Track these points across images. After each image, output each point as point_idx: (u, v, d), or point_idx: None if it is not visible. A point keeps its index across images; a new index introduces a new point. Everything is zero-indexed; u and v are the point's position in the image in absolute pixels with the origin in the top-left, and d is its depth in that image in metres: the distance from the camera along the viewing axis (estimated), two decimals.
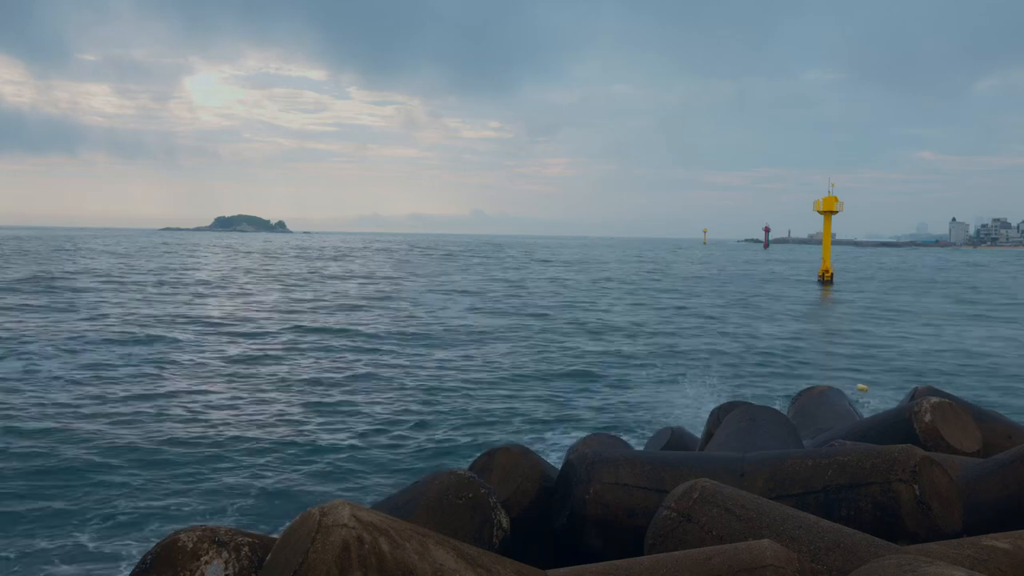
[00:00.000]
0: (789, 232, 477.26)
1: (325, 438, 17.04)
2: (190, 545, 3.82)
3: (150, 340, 30.34)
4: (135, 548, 11.06)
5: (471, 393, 21.83)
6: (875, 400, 19.95)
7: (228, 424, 17.99)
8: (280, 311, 42.59)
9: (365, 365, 26.10)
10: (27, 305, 41.71)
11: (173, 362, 25.90)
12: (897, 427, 6.59)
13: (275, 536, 4.01)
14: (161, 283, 60.65)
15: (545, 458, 6.58)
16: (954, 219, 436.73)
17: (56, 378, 22.53)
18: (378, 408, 19.82)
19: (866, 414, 9.48)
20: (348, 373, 24.60)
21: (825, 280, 75.28)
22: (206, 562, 3.78)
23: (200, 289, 56.26)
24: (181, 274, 73.36)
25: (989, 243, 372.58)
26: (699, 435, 8.95)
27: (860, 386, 21.82)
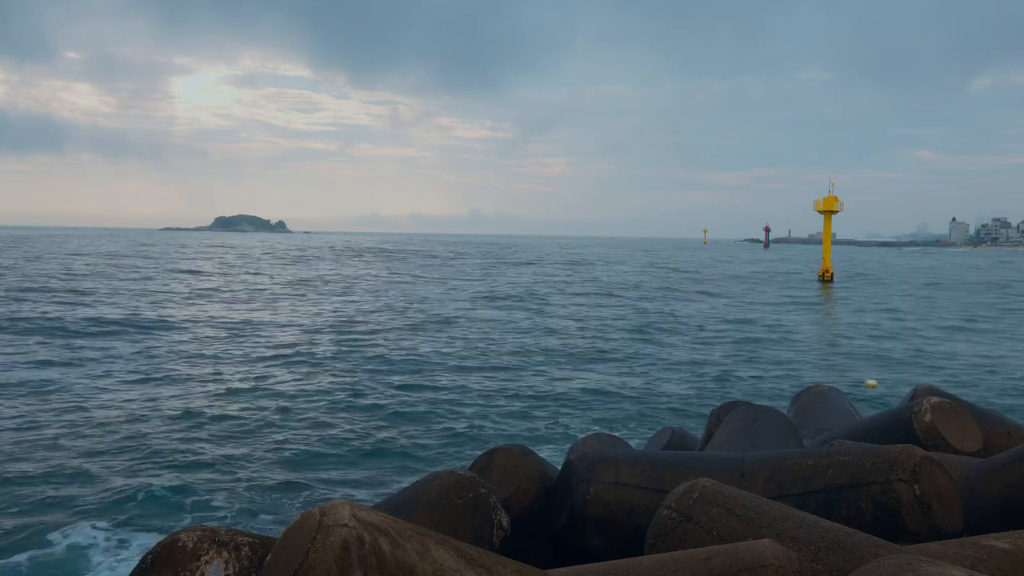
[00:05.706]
0: (789, 232, 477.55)
1: (325, 438, 17.04)
2: (190, 545, 3.82)
3: (145, 339, 30.33)
4: (135, 548, 11.06)
5: (471, 393, 21.82)
6: (884, 395, 19.80)
7: (228, 425, 17.99)
8: (283, 311, 42.59)
9: (366, 365, 26.08)
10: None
11: (173, 361, 25.89)
12: (897, 427, 6.57)
13: (275, 536, 4.00)
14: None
15: (545, 458, 6.58)
16: (954, 219, 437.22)
17: (53, 375, 22.52)
18: (378, 408, 19.82)
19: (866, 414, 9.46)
20: (348, 373, 24.59)
21: (825, 279, 75.33)
22: (206, 562, 3.78)
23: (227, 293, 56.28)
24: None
25: (989, 243, 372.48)
26: (699, 435, 8.93)
27: (869, 382, 21.40)
